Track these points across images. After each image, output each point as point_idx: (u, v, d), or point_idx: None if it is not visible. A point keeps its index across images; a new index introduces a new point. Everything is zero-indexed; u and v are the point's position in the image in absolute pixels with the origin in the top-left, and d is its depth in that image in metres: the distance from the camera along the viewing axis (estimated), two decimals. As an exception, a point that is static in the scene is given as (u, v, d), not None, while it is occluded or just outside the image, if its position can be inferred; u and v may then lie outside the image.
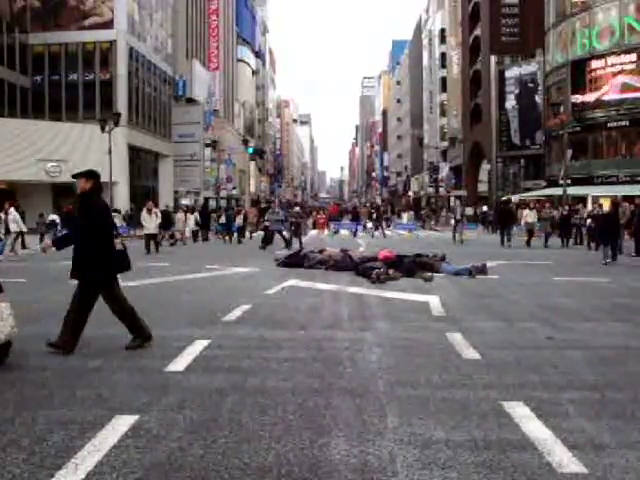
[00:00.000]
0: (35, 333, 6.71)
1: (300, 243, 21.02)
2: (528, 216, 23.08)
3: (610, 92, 35.06)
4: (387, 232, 31.63)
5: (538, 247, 21.33)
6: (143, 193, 45.95)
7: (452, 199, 60.31)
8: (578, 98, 36.73)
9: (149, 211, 20.29)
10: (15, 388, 4.64)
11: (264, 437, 3.66)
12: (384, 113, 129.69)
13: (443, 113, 71.07)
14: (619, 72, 34.74)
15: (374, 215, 34.47)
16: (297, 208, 29.72)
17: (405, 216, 50.77)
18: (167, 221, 23.96)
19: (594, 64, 36.25)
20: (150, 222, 19.98)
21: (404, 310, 8.35)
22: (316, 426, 3.85)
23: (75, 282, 6.02)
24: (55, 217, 26.70)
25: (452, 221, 25.42)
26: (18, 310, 8.37)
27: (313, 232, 34.39)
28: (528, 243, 21.99)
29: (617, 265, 15.01)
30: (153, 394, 4.48)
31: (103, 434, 3.68)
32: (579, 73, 37.10)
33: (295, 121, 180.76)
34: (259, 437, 3.66)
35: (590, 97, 36.24)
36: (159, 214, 20.98)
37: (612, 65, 35.23)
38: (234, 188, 62.45)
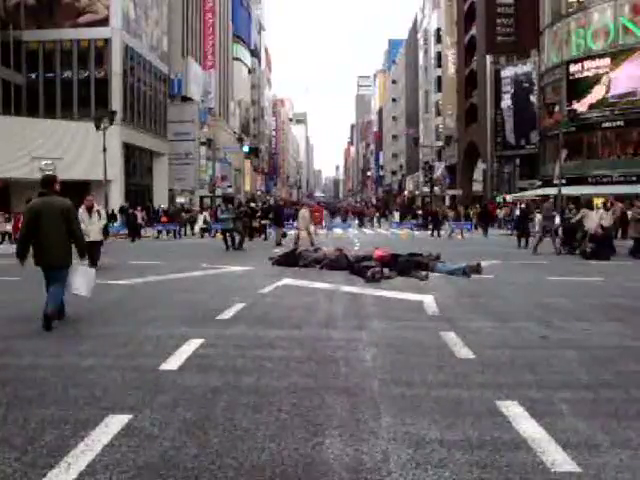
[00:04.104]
0: (27, 331, 6.68)
1: (239, 243, 19.84)
2: (604, 219, 16.73)
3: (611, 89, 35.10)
4: (381, 230, 31.67)
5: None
6: (138, 191, 45.90)
7: (455, 196, 60.26)
8: (573, 105, 36.79)
9: (89, 210, 13.37)
10: (8, 387, 4.61)
11: (258, 436, 3.66)
12: (380, 112, 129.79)
13: (438, 112, 71.21)
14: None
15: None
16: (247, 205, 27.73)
17: (396, 215, 50.63)
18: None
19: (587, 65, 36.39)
20: (90, 225, 13.09)
21: (399, 309, 8.34)
22: (310, 425, 3.84)
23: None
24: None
25: (556, 221, 19.21)
26: (12, 309, 8.37)
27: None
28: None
29: (611, 265, 15.06)
30: (146, 393, 4.46)
31: (96, 433, 3.67)
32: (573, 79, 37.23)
33: (291, 120, 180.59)
34: (253, 436, 3.66)
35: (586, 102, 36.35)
36: (103, 214, 14.41)
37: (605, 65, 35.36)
38: (229, 187, 62.38)
